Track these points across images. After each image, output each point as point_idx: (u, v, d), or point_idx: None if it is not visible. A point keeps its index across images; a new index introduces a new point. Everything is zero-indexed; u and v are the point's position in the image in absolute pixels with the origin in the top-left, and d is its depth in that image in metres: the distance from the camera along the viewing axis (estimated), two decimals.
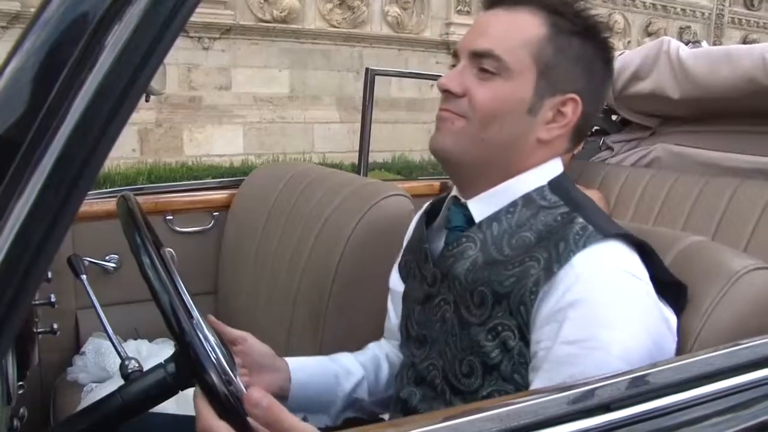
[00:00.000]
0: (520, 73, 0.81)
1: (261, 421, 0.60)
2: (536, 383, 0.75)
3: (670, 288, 0.81)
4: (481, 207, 0.85)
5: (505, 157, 0.84)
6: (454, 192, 0.91)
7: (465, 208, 0.87)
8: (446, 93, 0.84)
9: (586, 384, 0.62)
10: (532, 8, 0.83)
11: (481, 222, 0.84)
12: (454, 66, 0.86)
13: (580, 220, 0.78)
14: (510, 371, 0.78)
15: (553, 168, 0.86)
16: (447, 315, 0.86)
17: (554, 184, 0.84)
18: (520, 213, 0.82)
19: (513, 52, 0.81)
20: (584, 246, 0.75)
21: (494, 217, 0.83)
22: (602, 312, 0.73)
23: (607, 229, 0.77)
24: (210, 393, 0.63)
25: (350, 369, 1.01)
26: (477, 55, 0.82)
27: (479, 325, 0.80)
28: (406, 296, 0.97)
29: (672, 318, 0.79)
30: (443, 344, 0.86)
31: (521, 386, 0.77)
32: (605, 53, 0.86)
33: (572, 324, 0.73)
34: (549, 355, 0.74)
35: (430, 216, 0.96)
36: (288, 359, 0.95)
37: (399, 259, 1.03)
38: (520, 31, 0.82)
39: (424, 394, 0.88)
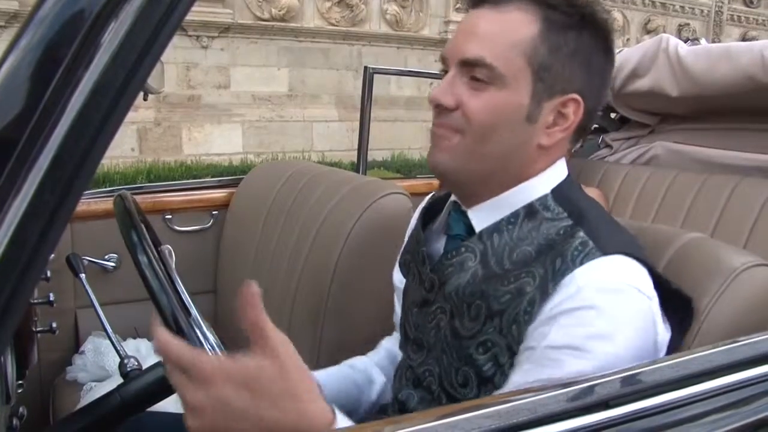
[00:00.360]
0: (514, 79, 0.76)
1: (247, 318, 0.57)
2: (513, 378, 0.73)
3: (676, 300, 0.78)
4: (481, 217, 0.82)
5: (505, 168, 0.80)
6: (455, 197, 0.88)
7: (466, 215, 0.84)
8: (438, 108, 0.79)
9: (584, 381, 0.62)
10: (521, 4, 0.78)
11: (481, 232, 0.81)
12: (444, 71, 0.81)
13: (581, 234, 0.75)
14: (504, 384, 0.76)
15: (557, 173, 0.82)
16: (441, 324, 0.84)
17: (558, 193, 0.81)
18: (522, 225, 0.79)
19: (505, 57, 0.76)
20: (581, 263, 0.72)
21: (495, 228, 0.80)
22: (597, 323, 0.70)
23: (609, 245, 0.74)
24: None
25: (372, 377, 1.00)
26: (467, 64, 0.77)
27: (469, 338, 0.79)
28: (405, 294, 0.96)
29: (665, 336, 0.76)
30: (439, 352, 0.84)
31: None
32: (604, 42, 0.80)
33: (561, 329, 0.71)
34: (533, 355, 0.72)
35: (428, 215, 0.94)
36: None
37: (400, 255, 1.01)
38: (511, 32, 0.76)
39: (422, 397, 0.87)
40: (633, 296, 0.72)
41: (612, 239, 0.76)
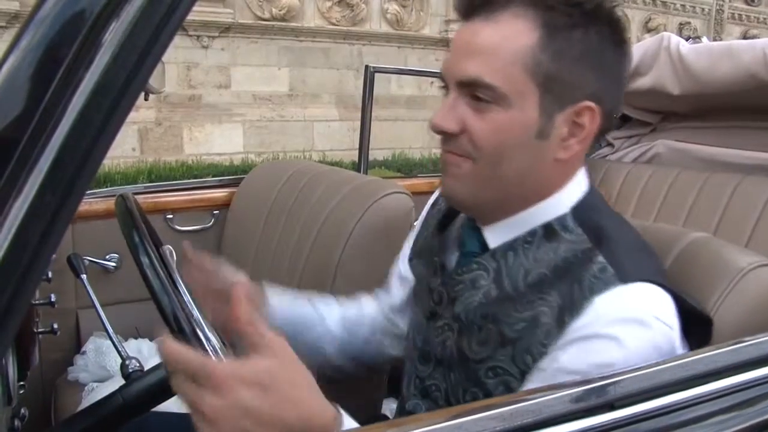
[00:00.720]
0: (518, 96, 0.70)
1: (241, 319, 0.56)
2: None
3: (695, 320, 0.74)
4: (497, 235, 0.78)
5: (523, 188, 0.75)
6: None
7: (480, 232, 0.80)
8: (441, 134, 0.74)
9: (589, 382, 0.62)
10: (516, 10, 0.70)
11: (495, 250, 0.77)
12: (444, 89, 0.76)
13: (600, 259, 0.70)
14: None
15: (577, 187, 0.77)
16: (448, 342, 0.80)
17: (578, 211, 0.75)
18: (540, 245, 0.74)
19: (504, 74, 0.70)
20: (600, 292, 0.68)
21: (510, 246, 0.76)
22: (612, 353, 0.67)
23: (630, 272, 0.70)
24: None
25: (319, 318, 0.97)
26: (465, 84, 0.72)
27: (477, 362, 0.75)
28: (414, 298, 0.93)
29: None
30: (446, 368, 0.81)
31: None
32: (614, 35, 0.73)
33: (574, 355, 0.68)
34: (541, 376, 0.70)
35: (441, 223, 0.90)
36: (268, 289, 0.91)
37: (408, 252, 0.97)
38: (507, 45, 0.70)
39: (429, 408, 0.85)
40: (654, 327, 0.68)
41: (634, 264, 0.71)
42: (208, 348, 0.64)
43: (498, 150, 0.72)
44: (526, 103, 0.70)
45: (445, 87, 0.76)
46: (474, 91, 0.71)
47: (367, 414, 1.14)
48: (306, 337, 0.95)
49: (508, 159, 0.72)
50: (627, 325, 0.67)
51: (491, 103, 0.71)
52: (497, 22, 0.71)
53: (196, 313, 0.67)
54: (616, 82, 0.75)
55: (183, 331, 0.65)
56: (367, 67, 2.09)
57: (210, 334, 0.66)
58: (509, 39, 0.70)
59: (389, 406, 1.32)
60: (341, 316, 1.02)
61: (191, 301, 0.68)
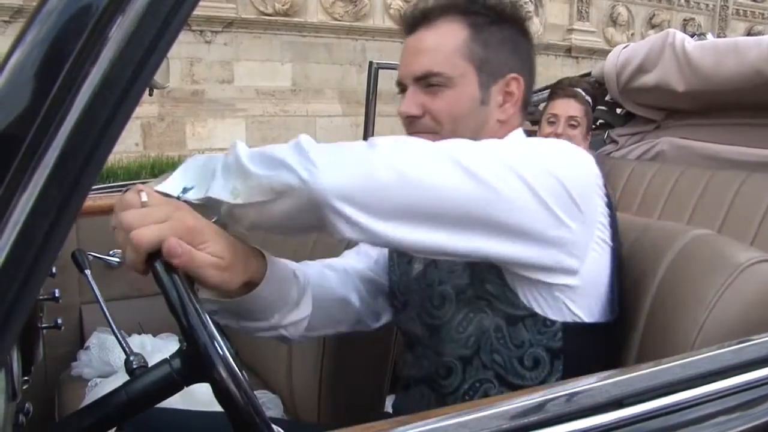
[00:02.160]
0: (462, 77, 0.90)
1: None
2: None
3: None
4: None
5: None
6: None
7: None
8: (408, 119, 0.92)
9: (597, 380, 0.61)
10: (448, 17, 0.91)
11: None
12: (401, 93, 0.93)
13: None
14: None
15: (518, 136, 0.97)
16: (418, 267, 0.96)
17: None
18: None
19: (449, 63, 0.90)
20: None
21: None
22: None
23: None
24: (218, 389, 0.63)
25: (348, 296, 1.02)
26: (420, 78, 0.91)
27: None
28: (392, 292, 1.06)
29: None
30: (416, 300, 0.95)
31: None
32: (521, 27, 0.95)
33: None
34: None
35: None
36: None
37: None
38: (447, 42, 0.90)
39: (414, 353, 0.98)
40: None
41: None
42: (215, 346, 0.64)
43: (455, 120, 0.91)
44: (468, 81, 0.91)
45: (402, 90, 0.94)
46: (428, 81, 0.91)
47: (369, 411, 1.13)
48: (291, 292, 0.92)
49: (463, 125, 0.91)
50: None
51: (442, 86, 0.90)
52: (435, 27, 0.92)
53: (201, 311, 0.67)
54: (530, 61, 0.97)
55: (192, 326, 0.65)
56: (371, 63, 2.09)
57: (216, 333, 0.66)
58: (447, 37, 0.91)
59: (393, 403, 1.32)
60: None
61: (199, 298, 0.68)
